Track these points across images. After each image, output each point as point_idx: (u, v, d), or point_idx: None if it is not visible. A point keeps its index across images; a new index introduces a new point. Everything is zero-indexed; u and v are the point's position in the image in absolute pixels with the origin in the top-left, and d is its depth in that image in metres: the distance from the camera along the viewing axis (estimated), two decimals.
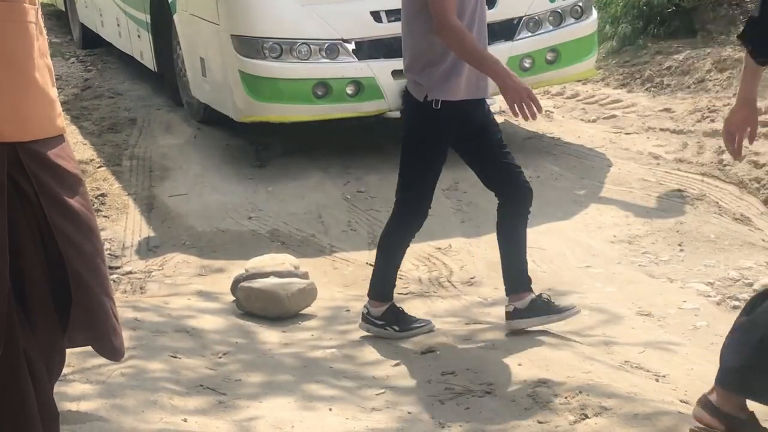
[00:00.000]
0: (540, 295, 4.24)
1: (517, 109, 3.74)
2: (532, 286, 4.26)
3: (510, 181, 4.13)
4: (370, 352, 4.22)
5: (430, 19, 3.83)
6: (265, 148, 7.08)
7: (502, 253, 4.25)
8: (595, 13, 7.12)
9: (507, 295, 4.25)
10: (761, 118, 7.18)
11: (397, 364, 4.05)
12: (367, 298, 4.33)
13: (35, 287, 2.61)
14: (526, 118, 3.75)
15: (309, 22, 6.34)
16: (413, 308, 4.74)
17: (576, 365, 3.89)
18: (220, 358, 4.17)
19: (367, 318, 4.31)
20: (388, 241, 4.27)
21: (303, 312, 4.69)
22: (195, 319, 4.62)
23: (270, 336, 4.45)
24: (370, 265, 5.35)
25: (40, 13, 2.66)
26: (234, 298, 4.79)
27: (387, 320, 4.27)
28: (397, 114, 6.53)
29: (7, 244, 2.56)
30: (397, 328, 4.28)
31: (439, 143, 4.05)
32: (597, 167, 6.59)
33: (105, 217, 6.15)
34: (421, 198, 4.14)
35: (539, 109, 3.76)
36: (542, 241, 5.51)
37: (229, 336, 4.45)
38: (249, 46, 6.37)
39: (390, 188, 6.51)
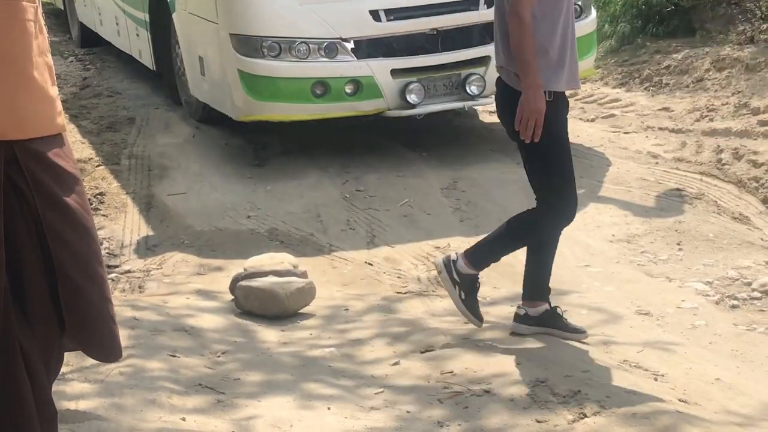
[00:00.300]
0: (554, 308, 4.23)
1: (519, 123, 3.84)
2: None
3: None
4: (369, 351, 4.22)
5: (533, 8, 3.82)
6: (264, 147, 7.08)
7: (528, 258, 4.24)
8: (593, 12, 7.12)
9: (522, 298, 4.24)
10: (759, 117, 7.21)
11: (395, 363, 4.05)
12: (464, 257, 4.20)
13: (33, 286, 2.60)
14: (522, 135, 3.85)
15: (308, 21, 6.34)
16: (412, 308, 4.75)
17: (574, 364, 3.90)
18: (219, 357, 4.17)
19: (449, 265, 4.20)
20: (538, 242, 4.18)
21: (302, 311, 4.68)
22: (194, 318, 4.62)
23: (269, 335, 4.45)
24: (369, 264, 5.38)
25: (40, 11, 2.65)
26: (233, 297, 4.79)
27: (464, 283, 4.20)
28: (396, 113, 6.56)
29: (3, 242, 2.56)
30: (464, 297, 4.22)
31: (562, 132, 4.02)
32: (596, 166, 6.58)
33: (104, 216, 6.14)
34: (568, 193, 4.06)
35: (536, 137, 3.85)
36: None
37: (227, 335, 4.45)
38: (248, 45, 6.37)
39: (388, 187, 6.56)
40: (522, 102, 3.83)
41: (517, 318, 4.23)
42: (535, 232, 4.16)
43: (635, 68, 8.47)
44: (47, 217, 2.57)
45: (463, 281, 4.21)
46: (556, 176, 4.02)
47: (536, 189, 4.09)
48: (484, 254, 4.22)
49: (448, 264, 4.22)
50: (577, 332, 4.18)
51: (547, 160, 4.00)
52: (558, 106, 3.96)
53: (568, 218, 4.12)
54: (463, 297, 4.22)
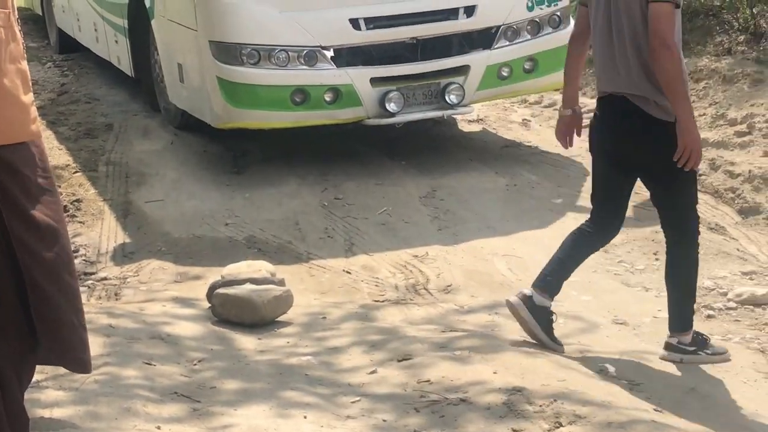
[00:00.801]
0: (551, 313, 4.22)
1: (682, 153, 3.83)
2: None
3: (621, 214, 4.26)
4: (346, 360, 4.22)
5: None
6: (243, 154, 7.07)
7: (559, 255, 4.27)
8: (572, 23, 7.14)
9: (535, 284, 4.25)
10: (736, 128, 7.25)
11: (372, 372, 4.05)
12: (675, 332, 4.14)
13: (3, 296, 2.58)
14: (681, 164, 3.84)
15: (287, 29, 6.33)
16: (390, 315, 4.75)
17: (551, 373, 3.90)
18: (195, 365, 4.15)
19: (686, 349, 4.14)
20: (686, 273, 4.12)
21: (279, 319, 4.67)
22: (170, 325, 4.60)
23: (246, 343, 4.44)
24: (347, 272, 5.37)
25: (14, 17, 2.63)
26: (210, 305, 4.77)
27: (699, 345, 4.15)
28: (375, 121, 6.55)
29: None
30: (709, 352, 4.16)
31: None
32: (574, 176, 6.61)
33: (80, 222, 6.11)
34: (696, 211, 4.11)
35: (697, 164, 3.88)
36: (519, 249, 5.53)
37: (204, 343, 4.43)
38: (227, 52, 6.36)
39: (367, 195, 6.55)
40: (682, 133, 3.81)
41: (524, 299, 4.21)
42: (692, 257, 4.12)
43: None
44: (14, 227, 2.55)
45: (698, 343, 4.14)
46: (693, 198, 4.08)
47: (673, 216, 4.09)
48: (683, 314, 4.14)
49: (684, 349, 4.12)
50: (554, 344, 4.20)
51: (687, 188, 4.03)
52: None
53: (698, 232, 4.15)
54: (709, 352, 4.15)
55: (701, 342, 4.14)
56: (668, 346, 4.14)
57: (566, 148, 4.38)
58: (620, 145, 4.04)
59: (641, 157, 4.03)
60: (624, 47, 3.92)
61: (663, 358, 4.14)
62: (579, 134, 4.27)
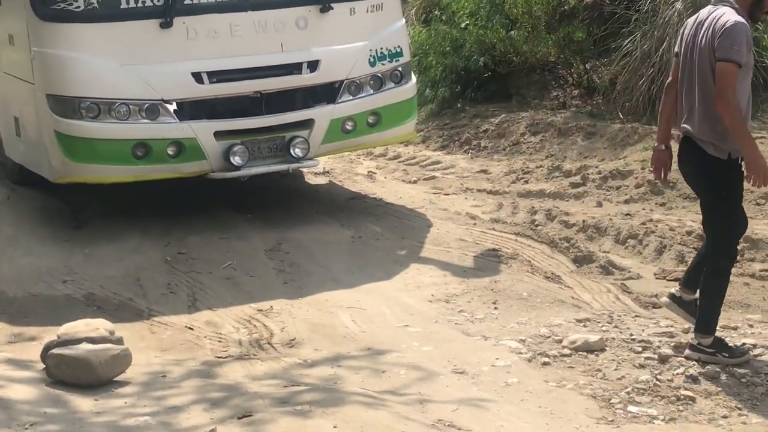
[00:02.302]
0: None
1: (754, 180, 4.49)
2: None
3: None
4: (186, 419, 4.14)
5: None
6: (83, 209, 6.91)
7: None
8: (414, 78, 7.33)
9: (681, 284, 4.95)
10: (571, 179, 7.57)
11: (212, 431, 3.99)
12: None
13: None
14: (758, 186, 4.52)
15: (128, 82, 6.25)
16: (232, 371, 4.70)
17: (390, 425, 3.94)
18: (27, 429, 4.00)
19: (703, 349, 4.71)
20: (722, 281, 4.70)
21: (117, 379, 4.56)
22: (2, 389, 4.43)
23: (82, 405, 4.31)
24: (189, 328, 5.30)
25: None
26: (44, 366, 4.61)
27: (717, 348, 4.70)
28: (220, 175, 6.52)
29: None
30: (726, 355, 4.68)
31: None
32: (417, 227, 6.73)
33: None
34: (735, 232, 4.74)
35: (763, 185, 4.52)
36: (363, 300, 5.57)
37: (38, 406, 4.28)
38: (65, 105, 6.23)
39: (211, 249, 6.48)
40: (749, 165, 4.45)
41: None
42: (726, 276, 4.73)
43: (455, 132, 8.75)
44: None
45: (717, 347, 4.68)
46: (730, 225, 4.67)
47: (711, 235, 4.73)
48: (706, 319, 4.70)
49: (703, 350, 4.66)
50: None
51: (726, 212, 4.64)
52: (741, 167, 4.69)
53: (736, 251, 4.81)
54: (727, 355, 4.67)
55: (720, 345, 4.68)
56: (690, 346, 4.71)
57: (660, 179, 4.95)
58: (688, 174, 4.78)
59: (701, 187, 4.71)
60: (696, 97, 4.56)
61: (686, 357, 4.67)
62: (669, 168, 4.84)
